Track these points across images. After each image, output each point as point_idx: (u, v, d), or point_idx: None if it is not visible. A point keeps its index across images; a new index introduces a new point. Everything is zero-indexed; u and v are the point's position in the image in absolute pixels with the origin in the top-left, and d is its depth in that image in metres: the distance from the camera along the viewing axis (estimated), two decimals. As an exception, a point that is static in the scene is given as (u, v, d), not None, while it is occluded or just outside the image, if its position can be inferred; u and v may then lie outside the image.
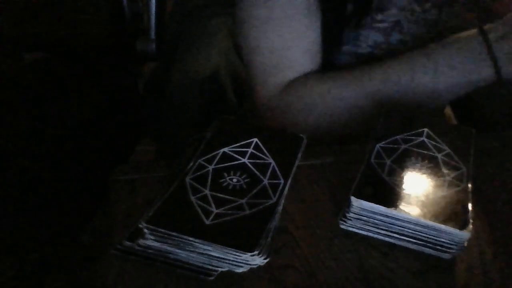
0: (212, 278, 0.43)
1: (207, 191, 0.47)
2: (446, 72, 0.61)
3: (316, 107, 0.65)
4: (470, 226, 0.44)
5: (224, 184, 0.48)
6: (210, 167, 0.50)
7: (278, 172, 0.51)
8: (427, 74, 0.61)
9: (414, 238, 0.46)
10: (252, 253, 0.42)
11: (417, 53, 0.63)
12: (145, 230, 0.43)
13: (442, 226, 0.44)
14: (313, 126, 0.66)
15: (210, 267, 0.43)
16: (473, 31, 0.60)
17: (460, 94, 0.63)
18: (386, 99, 0.63)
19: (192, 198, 0.46)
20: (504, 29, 0.58)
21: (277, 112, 0.67)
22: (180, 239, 0.43)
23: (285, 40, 0.66)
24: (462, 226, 0.44)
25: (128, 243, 0.44)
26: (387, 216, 0.46)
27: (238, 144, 0.53)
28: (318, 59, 0.68)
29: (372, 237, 0.47)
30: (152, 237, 0.44)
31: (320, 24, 0.67)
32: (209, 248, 0.43)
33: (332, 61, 0.70)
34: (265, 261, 0.43)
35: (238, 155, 0.52)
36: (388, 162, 0.51)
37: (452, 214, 0.45)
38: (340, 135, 0.67)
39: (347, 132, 0.67)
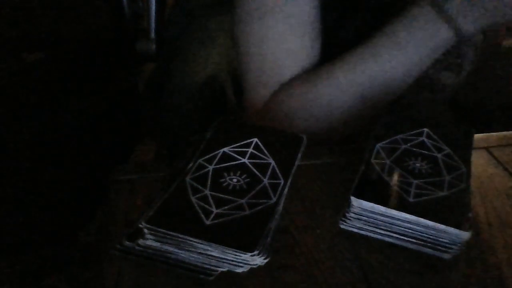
0: (212, 278, 0.43)
1: (207, 191, 0.47)
2: (406, 45, 0.62)
3: (305, 111, 0.66)
4: (470, 226, 0.44)
5: (224, 184, 0.48)
6: (210, 167, 0.50)
7: (278, 172, 0.51)
8: (390, 52, 0.63)
9: (414, 238, 0.46)
10: (252, 253, 0.42)
11: (376, 35, 0.64)
12: (145, 230, 0.43)
13: (442, 226, 0.44)
14: (302, 130, 0.67)
15: (210, 267, 0.43)
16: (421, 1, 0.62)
17: (428, 64, 0.64)
18: (365, 92, 0.64)
19: (192, 198, 0.46)
20: None
21: (267, 120, 0.68)
22: (180, 239, 0.43)
23: (278, 58, 0.67)
24: (462, 226, 0.44)
25: (128, 243, 0.44)
26: (387, 216, 0.46)
27: (238, 144, 0.53)
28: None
29: (372, 237, 0.47)
30: (152, 237, 0.44)
31: (320, 38, 0.68)
32: (209, 248, 0.43)
33: None
34: (265, 261, 0.43)
35: (238, 155, 0.52)
36: (388, 162, 0.51)
37: (452, 214, 0.45)
38: (331, 137, 0.67)
39: (340, 133, 0.67)
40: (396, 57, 0.62)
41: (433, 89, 0.74)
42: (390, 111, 0.58)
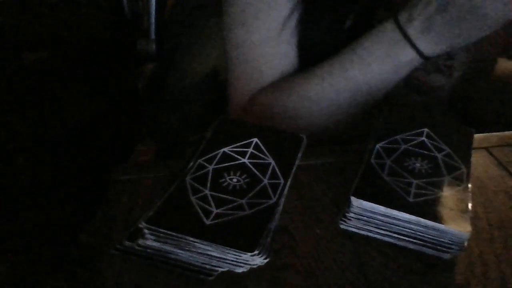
0: (212, 278, 0.43)
1: (207, 191, 0.47)
2: (371, 61, 0.62)
3: (275, 119, 0.67)
4: (470, 226, 0.44)
5: (224, 184, 0.48)
6: (210, 167, 0.50)
7: (278, 172, 0.51)
8: (355, 67, 0.63)
9: (414, 238, 0.46)
10: (252, 253, 0.42)
11: (345, 50, 0.64)
12: (145, 230, 0.43)
13: (442, 226, 0.44)
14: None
15: (210, 267, 0.43)
16: (388, 19, 0.62)
17: (394, 81, 0.64)
18: (331, 104, 0.65)
19: (192, 198, 0.46)
20: (411, 10, 0.59)
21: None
22: (180, 239, 0.43)
23: (258, 62, 0.68)
24: (462, 226, 0.44)
25: (128, 243, 0.44)
26: (387, 216, 0.46)
27: (238, 144, 0.53)
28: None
29: (372, 237, 0.47)
30: (152, 237, 0.44)
31: (298, 44, 0.69)
32: (209, 248, 0.43)
33: None
34: (265, 261, 0.43)
35: (238, 155, 0.52)
36: (388, 162, 0.51)
37: (452, 214, 0.45)
38: (319, 138, 0.68)
39: (324, 136, 0.68)
40: (360, 73, 0.63)
41: (422, 91, 0.74)
42: (390, 112, 0.58)
